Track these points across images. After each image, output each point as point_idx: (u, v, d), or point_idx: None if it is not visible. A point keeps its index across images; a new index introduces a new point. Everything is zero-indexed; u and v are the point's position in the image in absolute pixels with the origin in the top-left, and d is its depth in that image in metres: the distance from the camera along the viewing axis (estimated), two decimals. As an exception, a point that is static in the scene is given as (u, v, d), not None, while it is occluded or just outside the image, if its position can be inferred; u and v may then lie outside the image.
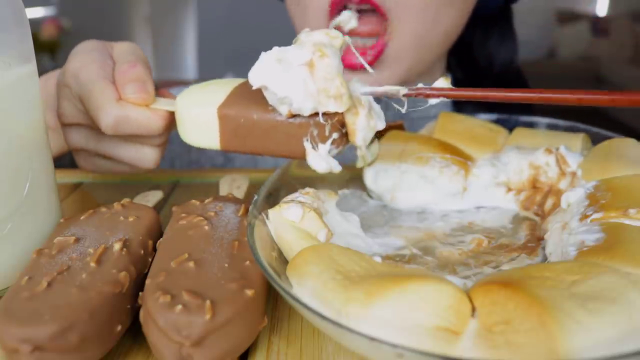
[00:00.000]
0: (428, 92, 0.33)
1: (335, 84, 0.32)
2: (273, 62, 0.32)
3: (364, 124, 0.34)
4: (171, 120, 0.39)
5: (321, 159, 0.34)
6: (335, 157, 0.35)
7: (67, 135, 0.43)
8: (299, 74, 0.32)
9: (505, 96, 0.32)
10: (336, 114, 0.34)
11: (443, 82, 0.33)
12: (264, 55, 0.33)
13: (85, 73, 0.40)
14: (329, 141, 0.34)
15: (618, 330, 0.22)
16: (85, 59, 0.41)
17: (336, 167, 0.35)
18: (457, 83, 0.68)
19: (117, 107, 0.38)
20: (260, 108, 0.35)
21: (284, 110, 0.33)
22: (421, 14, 0.54)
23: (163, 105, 0.39)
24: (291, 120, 0.34)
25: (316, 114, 0.33)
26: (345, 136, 0.35)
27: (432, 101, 0.33)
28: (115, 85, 0.39)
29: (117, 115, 0.38)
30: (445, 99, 0.33)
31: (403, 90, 0.34)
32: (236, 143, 0.36)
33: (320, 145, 0.34)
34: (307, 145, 0.34)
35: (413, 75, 0.59)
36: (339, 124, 0.34)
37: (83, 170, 0.46)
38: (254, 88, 0.33)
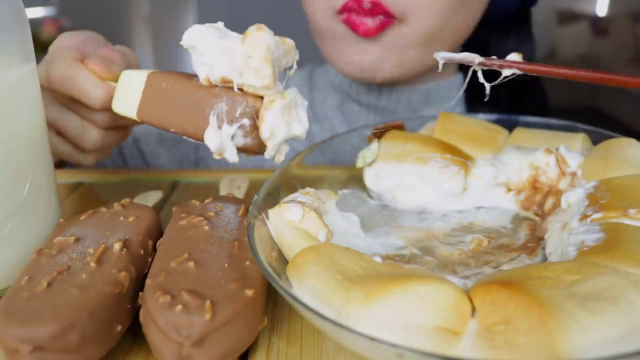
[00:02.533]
0: (501, 62, 0.33)
1: (260, 56, 0.30)
2: (212, 28, 0.32)
3: (277, 116, 0.31)
4: (110, 101, 0.39)
5: (218, 137, 0.32)
6: (241, 148, 0.32)
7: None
8: (231, 43, 0.31)
9: (574, 74, 0.32)
10: (254, 99, 0.31)
11: (515, 57, 0.33)
12: (207, 24, 0.32)
13: (60, 42, 0.43)
14: (237, 124, 0.31)
15: (618, 330, 0.22)
16: (67, 35, 0.44)
17: (231, 156, 0.32)
18: (472, 84, 0.68)
19: (72, 63, 0.40)
20: (185, 78, 0.34)
21: (202, 74, 0.32)
22: (433, 16, 0.54)
23: (112, 83, 0.40)
24: (206, 89, 0.32)
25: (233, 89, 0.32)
26: (257, 130, 0.32)
27: (506, 72, 0.34)
28: (82, 54, 0.42)
29: (65, 69, 0.40)
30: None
31: (479, 58, 0.34)
32: (151, 112, 0.35)
33: (226, 126, 0.32)
34: (212, 119, 0.32)
35: (421, 69, 0.59)
36: (254, 111, 0.31)
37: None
38: (182, 44, 0.33)
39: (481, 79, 0.34)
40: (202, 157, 0.70)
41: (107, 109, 0.40)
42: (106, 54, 0.41)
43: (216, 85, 0.32)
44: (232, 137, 0.32)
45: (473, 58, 0.34)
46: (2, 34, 0.32)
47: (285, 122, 0.32)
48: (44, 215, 0.36)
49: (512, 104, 0.67)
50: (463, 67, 0.68)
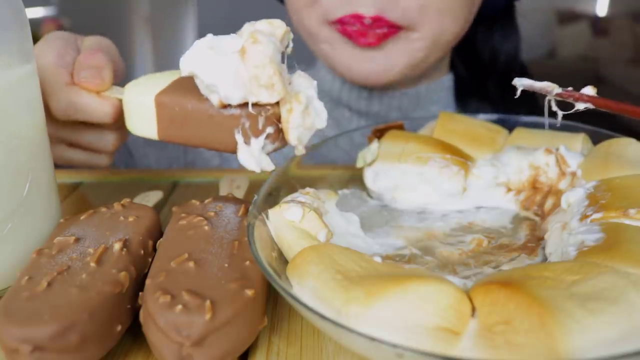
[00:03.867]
0: (577, 95, 0.33)
1: (266, 73, 0.30)
2: (205, 49, 0.31)
3: (299, 121, 0.32)
4: (121, 109, 0.38)
5: (250, 155, 0.32)
6: (271, 154, 0.33)
7: None
8: (230, 62, 0.30)
9: None
10: (271, 106, 0.32)
11: (591, 91, 0.33)
12: (197, 42, 0.31)
13: (41, 60, 0.40)
14: (263, 135, 0.32)
15: (618, 330, 0.22)
16: (45, 47, 0.41)
17: (267, 166, 0.33)
18: (459, 80, 0.68)
19: (66, 92, 0.39)
20: (196, 97, 0.33)
21: (214, 99, 0.32)
22: (441, 23, 0.54)
23: (114, 93, 0.39)
24: (223, 110, 0.32)
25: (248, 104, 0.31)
26: (281, 132, 0.33)
27: (580, 105, 0.33)
28: (70, 73, 0.40)
29: (66, 101, 0.39)
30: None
31: (557, 89, 0.33)
32: (172, 133, 0.35)
33: (253, 140, 0.32)
34: (239, 138, 0.32)
35: (419, 71, 0.59)
36: (275, 117, 0.32)
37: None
38: (182, 75, 0.32)
39: (554, 108, 0.34)
40: (191, 161, 0.70)
41: (118, 119, 0.39)
42: (89, 62, 0.39)
43: (229, 105, 0.32)
44: (262, 148, 0.32)
45: (552, 88, 0.33)
46: (2, 34, 0.32)
47: (306, 123, 0.32)
48: (44, 215, 0.36)
49: (501, 97, 0.67)
50: (453, 67, 0.68)
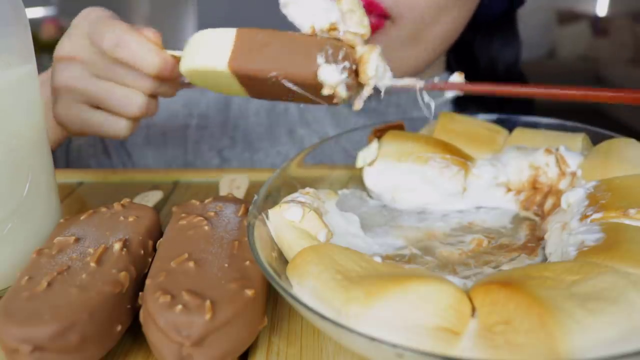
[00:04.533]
0: (443, 85, 0.34)
1: (360, 10, 0.37)
2: None
3: (378, 58, 0.37)
4: (167, 70, 0.41)
5: (332, 70, 0.36)
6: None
7: (59, 71, 0.44)
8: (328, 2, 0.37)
9: (514, 91, 0.32)
10: (350, 46, 0.37)
11: (458, 77, 0.34)
12: None
13: (97, 12, 0.43)
14: (341, 65, 0.36)
15: (618, 330, 0.22)
16: (100, 9, 0.44)
17: (343, 90, 0.36)
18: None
19: (127, 30, 0.41)
20: (278, 31, 0.37)
21: (307, 23, 0.37)
22: (424, 14, 0.53)
23: (170, 51, 0.42)
24: (308, 36, 0.37)
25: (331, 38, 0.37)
26: (354, 73, 0.37)
27: (448, 94, 0.34)
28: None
29: (121, 36, 0.40)
30: (459, 93, 0.34)
31: (420, 84, 0.34)
32: (247, 60, 0.37)
33: (332, 65, 0.36)
34: (320, 59, 0.36)
35: (410, 72, 0.59)
36: (351, 57, 0.37)
37: (60, 124, 0.47)
38: (280, 2, 0.38)
39: (424, 100, 0.35)
40: (191, 161, 0.70)
41: (159, 75, 0.41)
42: (149, 29, 0.42)
43: (316, 35, 0.37)
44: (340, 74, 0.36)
45: (415, 83, 0.35)
46: (2, 34, 0.32)
47: (382, 65, 0.37)
48: (44, 215, 0.36)
49: (500, 107, 0.67)
50: (450, 66, 0.68)
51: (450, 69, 0.68)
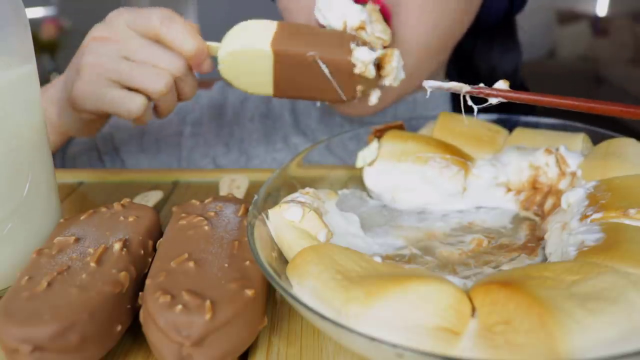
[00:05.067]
0: (488, 91, 0.34)
1: (381, 20, 0.46)
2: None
3: (399, 57, 0.44)
4: (202, 56, 0.44)
5: (366, 50, 0.42)
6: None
7: (92, 49, 0.46)
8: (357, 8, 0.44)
9: (557, 102, 0.33)
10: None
11: (502, 85, 0.35)
12: None
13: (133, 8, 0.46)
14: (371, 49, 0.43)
15: (618, 330, 0.22)
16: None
17: (372, 70, 0.42)
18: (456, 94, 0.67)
19: (169, 13, 0.44)
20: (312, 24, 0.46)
21: (339, 20, 0.44)
22: (423, 16, 0.53)
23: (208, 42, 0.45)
24: (340, 31, 0.44)
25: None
26: (376, 67, 0.43)
27: (493, 100, 0.35)
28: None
29: (165, 16, 0.44)
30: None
31: (466, 87, 0.36)
32: (289, 43, 0.42)
33: (363, 47, 0.42)
34: (353, 44, 0.42)
35: (413, 81, 0.58)
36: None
37: (75, 102, 0.48)
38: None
39: (469, 102, 0.35)
40: (185, 169, 0.70)
41: (193, 59, 0.44)
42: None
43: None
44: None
45: (461, 87, 0.36)
46: (2, 34, 0.32)
47: (401, 64, 0.44)
48: (44, 215, 0.36)
49: (501, 108, 0.66)
50: (450, 74, 0.67)
51: (450, 77, 0.68)
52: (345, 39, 0.42)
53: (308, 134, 0.66)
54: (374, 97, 0.46)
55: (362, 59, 0.41)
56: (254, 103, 0.71)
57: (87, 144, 0.68)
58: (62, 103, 0.51)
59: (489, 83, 0.69)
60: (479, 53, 0.67)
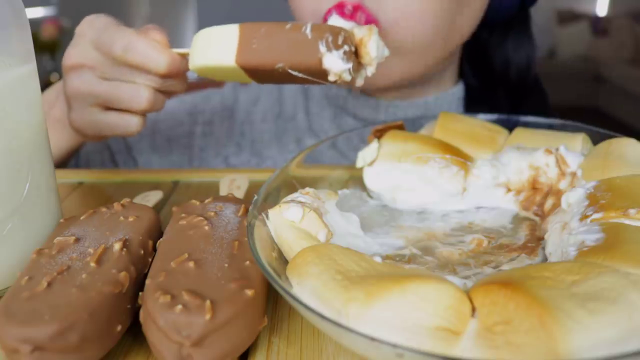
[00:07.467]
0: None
1: None
2: None
3: (378, 40, 0.41)
4: (175, 68, 0.43)
5: (336, 58, 0.39)
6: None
7: (69, 79, 0.46)
8: None
9: None
10: (347, 32, 0.40)
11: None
12: None
13: (101, 19, 0.46)
14: (341, 50, 0.39)
15: (618, 330, 0.22)
16: (102, 16, 0.47)
17: (347, 75, 0.39)
18: (470, 90, 0.66)
19: (134, 34, 0.43)
20: (278, 22, 0.40)
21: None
22: (425, 24, 0.52)
23: (176, 50, 0.44)
24: (308, 25, 0.39)
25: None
26: (354, 55, 0.40)
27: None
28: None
29: (130, 40, 0.43)
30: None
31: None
32: (253, 53, 0.39)
33: (334, 51, 0.39)
34: (322, 47, 0.38)
35: (415, 76, 0.59)
36: (350, 40, 0.40)
37: (77, 131, 0.49)
38: None
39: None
40: (197, 168, 0.70)
41: (168, 73, 0.43)
42: (154, 28, 0.44)
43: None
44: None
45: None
46: (2, 34, 0.32)
47: (381, 45, 0.41)
48: (44, 215, 0.36)
49: (512, 109, 0.66)
50: (463, 76, 0.67)
51: (463, 74, 0.67)
52: (314, 39, 0.39)
53: (321, 135, 0.66)
54: (359, 81, 0.43)
55: (335, 70, 0.39)
56: (267, 103, 0.71)
57: (100, 144, 0.68)
58: (67, 124, 0.51)
59: (504, 78, 0.68)
60: (493, 46, 0.67)
